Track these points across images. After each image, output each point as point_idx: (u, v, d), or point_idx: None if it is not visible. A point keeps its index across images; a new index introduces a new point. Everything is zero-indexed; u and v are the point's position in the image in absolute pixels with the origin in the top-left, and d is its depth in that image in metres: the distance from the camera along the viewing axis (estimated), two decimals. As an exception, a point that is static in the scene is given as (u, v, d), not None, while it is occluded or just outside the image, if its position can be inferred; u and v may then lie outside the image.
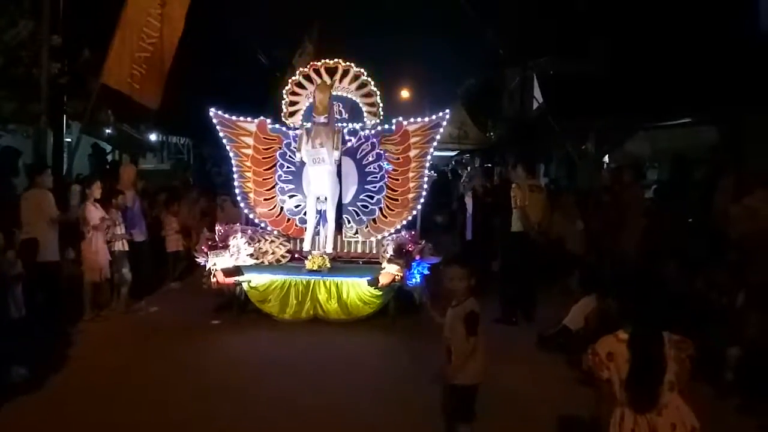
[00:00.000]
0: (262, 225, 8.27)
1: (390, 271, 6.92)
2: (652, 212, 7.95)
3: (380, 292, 7.09)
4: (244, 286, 7.24)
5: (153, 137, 17.68)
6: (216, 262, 6.95)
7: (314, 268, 7.40)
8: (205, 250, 7.04)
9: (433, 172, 19.79)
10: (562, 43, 14.53)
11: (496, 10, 17.31)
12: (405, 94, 31.21)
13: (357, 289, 7.23)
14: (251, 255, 7.66)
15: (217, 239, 7.06)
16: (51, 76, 9.24)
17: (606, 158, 14.36)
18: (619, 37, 12.12)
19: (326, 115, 7.04)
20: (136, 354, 6.20)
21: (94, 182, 7.21)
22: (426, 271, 7.26)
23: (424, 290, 7.15)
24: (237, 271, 7.00)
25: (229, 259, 6.98)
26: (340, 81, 8.26)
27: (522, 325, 7.25)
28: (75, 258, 7.14)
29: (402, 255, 7.00)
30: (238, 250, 7.36)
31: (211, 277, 7.02)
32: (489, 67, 20.89)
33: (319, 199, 7.81)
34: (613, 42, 12.42)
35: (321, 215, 7.98)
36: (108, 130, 13.25)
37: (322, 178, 7.43)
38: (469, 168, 16.23)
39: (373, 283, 6.96)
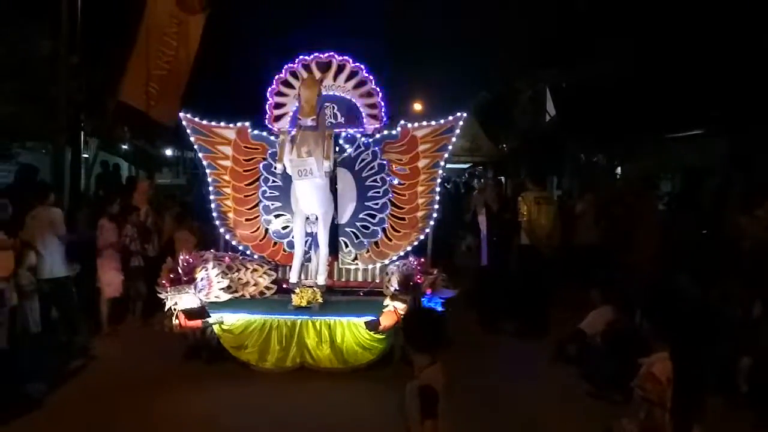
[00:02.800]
0: (244, 250, 6.95)
1: (394, 310, 5.53)
2: (664, 224, 7.62)
3: (382, 336, 5.70)
4: (215, 328, 5.88)
5: (168, 152, 18.30)
6: (177, 301, 5.58)
7: (302, 305, 6.05)
8: (166, 284, 5.67)
9: (446, 184, 19.15)
10: (573, 54, 14.21)
11: (508, 21, 17.26)
12: (417, 107, 30.63)
13: (354, 331, 5.85)
14: (227, 288, 6.33)
15: (180, 271, 5.68)
16: (69, 94, 9.44)
17: (618, 170, 14.20)
18: (631, 47, 11.81)
19: (314, 117, 5.66)
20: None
21: (112, 200, 7.57)
22: (439, 308, 5.88)
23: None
24: (202, 312, 5.64)
25: (193, 297, 5.60)
26: (335, 78, 6.94)
27: (533, 340, 7.04)
28: (82, 273, 6.99)
29: (409, 288, 5.61)
30: (209, 284, 6.02)
31: (173, 318, 5.66)
32: (501, 79, 20.77)
33: (309, 220, 6.47)
34: (625, 52, 12.04)
35: (312, 239, 6.63)
36: (125, 147, 13.77)
37: (310, 193, 6.08)
38: (481, 180, 15.12)
39: (373, 326, 5.57)
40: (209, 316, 5.70)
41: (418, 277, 5.70)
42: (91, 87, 10.05)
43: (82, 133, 10.85)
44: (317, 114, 5.74)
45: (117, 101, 9.14)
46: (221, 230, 6.99)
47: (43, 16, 9.49)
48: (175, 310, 5.59)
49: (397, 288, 5.68)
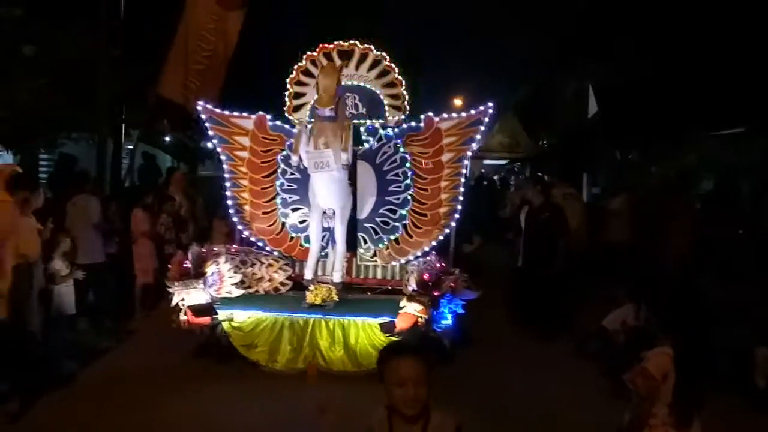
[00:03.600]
0: (260, 245, 6.73)
1: (410, 312, 5.23)
2: (699, 223, 7.53)
3: (398, 338, 5.40)
4: (224, 325, 5.65)
5: (210, 144, 17.86)
6: (184, 297, 5.35)
7: (317, 302, 5.78)
8: (174, 278, 5.46)
9: (484, 181, 18.78)
10: (615, 50, 14.14)
11: (551, 16, 17.73)
12: (458, 102, 30.43)
13: (369, 332, 5.56)
14: (240, 283, 6.11)
15: (189, 265, 5.46)
16: (110, 87, 9.85)
17: (654, 168, 13.65)
18: (672, 45, 11.65)
19: (332, 107, 5.38)
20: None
21: (146, 190, 8.17)
22: (460, 310, 5.57)
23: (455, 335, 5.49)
24: (209, 309, 5.41)
25: (201, 292, 5.37)
26: (357, 68, 6.65)
27: (558, 337, 6.85)
28: (119, 259, 7.48)
29: (427, 289, 5.30)
30: (221, 279, 5.79)
31: (181, 314, 5.44)
32: (544, 75, 20.69)
33: (326, 214, 6.19)
34: (666, 49, 11.93)
35: (329, 234, 6.36)
36: (167, 139, 14.21)
37: (327, 187, 5.80)
38: (519, 176, 14.79)
39: (388, 328, 5.28)
40: (217, 314, 5.47)
41: (438, 277, 5.37)
42: (133, 80, 10.26)
43: (124, 125, 11.44)
44: (336, 104, 5.45)
45: (156, 95, 9.38)
46: (236, 223, 6.78)
47: (86, 10, 9.77)
48: (182, 305, 5.37)
49: (415, 288, 5.37)
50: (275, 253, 6.67)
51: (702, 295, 5.53)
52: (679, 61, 11.30)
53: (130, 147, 12.25)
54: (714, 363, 4.92)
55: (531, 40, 17.68)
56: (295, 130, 6.32)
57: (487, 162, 21.52)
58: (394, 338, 5.33)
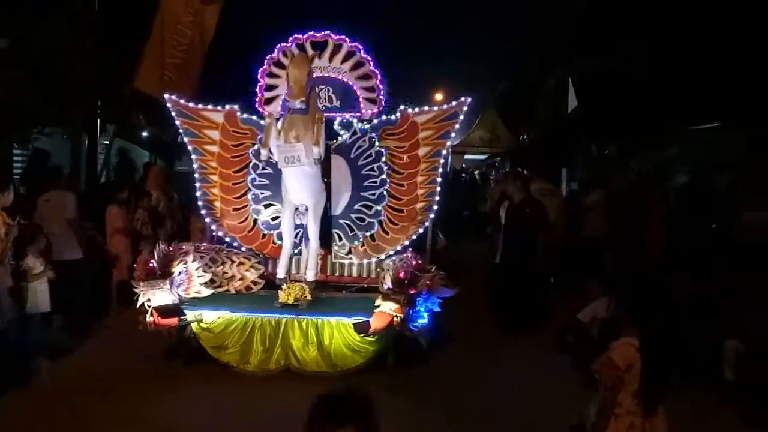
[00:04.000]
0: (231, 242, 6.52)
1: (386, 311, 5.07)
2: (673, 217, 7.53)
3: (373, 338, 5.24)
4: (194, 326, 5.44)
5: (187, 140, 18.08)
6: (150, 297, 5.13)
7: (289, 302, 5.59)
8: (140, 278, 5.23)
9: (464, 174, 18.64)
10: (596, 44, 13.98)
11: (533, 11, 17.36)
12: (438, 96, 30.35)
13: (343, 332, 5.38)
14: (211, 282, 5.90)
15: (155, 264, 5.23)
16: (84, 81, 9.65)
17: (631, 163, 13.55)
18: (651, 41, 11.57)
19: (303, 99, 5.17)
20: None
21: (121, 186, 7.98)
22: (437, 308, 5.42)
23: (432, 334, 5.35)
24: (176, 310, 5.19)
25: (168, 293, 5.14)
26: (330, 59, 6.47)
27: (534, 331, 6.77)
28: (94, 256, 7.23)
29: (403, 288, 5.14)
30: (189, 278, 5.57)
31: (147, 315, 5.22)
32: (524, 70, 20.69)
33: (299, 211, 6.00)
34: (645, 45, 11.80)
35: (303, 231, 6.17)
36: (144, 134, 13.99)
37: (298, 182, 5.61)
38: (499, 171, 14.72)
39: (362, 328, 5.11)
40: (184, 315, 5.26)
41: (414, 275, 5.21)
42: (109, 74, 10.00)
43: (99, 119, 11.17)
44: (307, 96, 5.25)
45: (132, 88, 9.20)
46: (207, 220, 6.57)
47: (61, 2, 9.68)
48: (148, 306, 5.15)
49: (390, 287, 5.20)
50: (247, 251, 6.45)
51: (671, 287, 5.55)
52: (657, 55, 11.28)
53: (106, 142, 12.00)
54: (684, 355, 4.88)
55: (511, 34, 17.56)
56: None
57: (467, 157, 21.47)
58: (369, 338, 5.19)
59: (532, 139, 18.65)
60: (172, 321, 5.19)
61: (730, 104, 8.72)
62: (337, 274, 6.57)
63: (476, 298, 7.54)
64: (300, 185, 5.63)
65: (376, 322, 5.05)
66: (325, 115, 6.23)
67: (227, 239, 6.52)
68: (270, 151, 5.45)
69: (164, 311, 5.07)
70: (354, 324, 5.16)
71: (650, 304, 2.94)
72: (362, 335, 5.13)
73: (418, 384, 5.37)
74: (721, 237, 7.26)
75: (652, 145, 11.80)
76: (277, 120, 5.60)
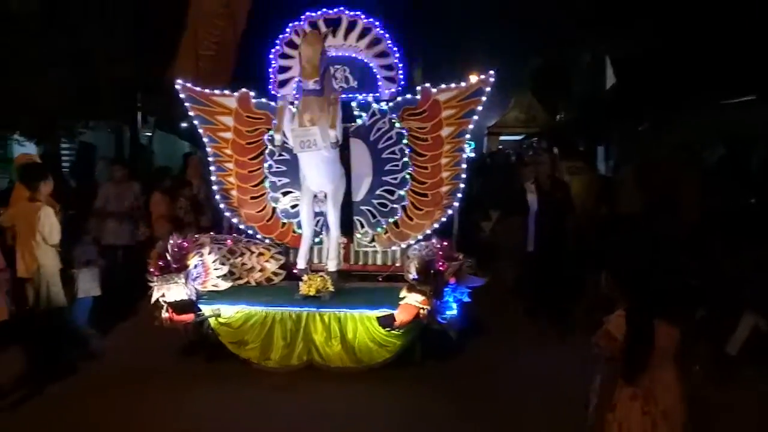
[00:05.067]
0: (250, 232, 6.27)
1: (411, 303, 4.77)
2: (707, 192, 7.00)
3: (399, 331, 4.96)
4: (211, 322, 5.21)
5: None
6: (164, 293, 4.90)
7: (311, 294, 5.33)
8: (154, 272, 5.00)
9: (487, 158, 18.27)
10: (633, 20, 13.31)
11: None
12: (473, 79, 29.75)
13: (368, 325, 5.10)
14: (230, 274, 5.67)
15: (169, 257, 4.99)
16: (125, 76, 10.25)
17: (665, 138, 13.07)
18: (687, 12, 11.00)
19: (317, 79, 4.85)
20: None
21: (164, 175, 8.34)
22: (466, 299, 5.11)
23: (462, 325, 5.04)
24: (190, 306, 4.95)
25: (182, 288, 4.90)
26: (345, 37, 6.13)
27: (562, 321, 6.28)
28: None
29: (429, 277, 4.83)
30: (206, 271, 5.34)
31: (162, 311, 5.00)
32: (559, 48, 19.82)
33: (318, 198, 5.71)
34: (681, 17, 11.31)
35: (323, 219, 5.89)
36: (184, 125, 14.10)
37: (316, 168, 5.33)
38: (530, 152, 14.28)
39: (387, 322, 4.82)
40: (200, 310, 5.03)
41: (440, 264, 4.90)
42: (148, 68, 10.32)
43: (140, 112, 12.09)
44: (321, 76, 4.93)
45: (170, 82, 9.50)
46: (224, 210, 6.33)
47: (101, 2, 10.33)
48: (163, 302, 4.92)
49: (416, 276, 4.90)
50: (266, 241, 6.20)
51: (676, 255, 5.50)
52: (691, 28, 10.80)
53: (148, 133, 13.05)
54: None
55: (546, 10, 16.98)
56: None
57: (503, 138, 21.09)
58: (395, 332, 4.90)
59: (569, 117, 18.22)
60: (188, 317, 4.96)
61: (765, 77, 8.31)
62: (361, 263, 6.30)
63: (506, 284, 7.23)
64: (317, 171, 5.34)
65: (402, 315, 4.76)
66: (342, 96, 5.96)
67: (246, 229, 6.27)
68: (284, 136, 5.15)
69: (179, 307, 4.84)
70: (378, 318, 4.88)
71: (636, 274, 2.96)
72: (387, 329, 4.84)
73: (447, 377, 5.11)
74: (758, 211, 6.79)
75: (686, 119, 11.44)
76: (291, 103, 5.30)
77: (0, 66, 8.61)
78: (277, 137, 5.13)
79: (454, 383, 4.99)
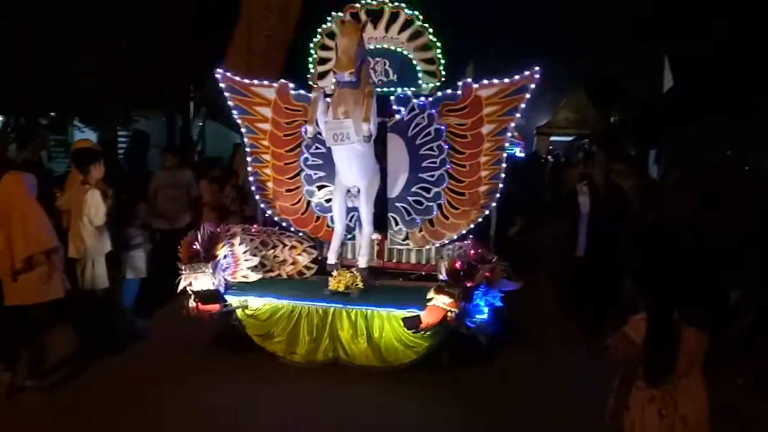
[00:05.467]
0: (284, 224, 6.23)
1: (439, 305, 4.62)
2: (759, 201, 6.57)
3: (426, 333, 4.81)
4: (238, 313, 5.19)
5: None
6: (192, 281, 4.89)
7: (340, 290, 5.24)
8: (184, 260, 5.00)
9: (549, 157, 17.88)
10: (694, 22, 12.78)
11: None
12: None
13: (394, 325, 4.98)
14: (261, 266, 5.64)
15: (199, 246, 4.98)
16: (177, 68, 10.63)
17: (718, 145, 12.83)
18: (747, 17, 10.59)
19: (352, 71, 4.74)
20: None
21: (213, 164, 8.64)
22: (498, 303, 4.92)
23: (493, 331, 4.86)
24: (216, 296, 4.93)
25: (209, 277, 4.88)
26: (387, 29, 6.00)
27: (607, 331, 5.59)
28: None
29: (458, 279, 4.66)
30: (236, 262, 5.31)
31: (190, 300, 4.99)
32: (616, 49, 19.17)
33: (350, 193, 5.61)
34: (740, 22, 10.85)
35: (357, 215, 5.79)
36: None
37: (349, 162, 5.23)
38: (579, 154, 13.88)
39: (413, 324, 4.68)
40: (225, 301, 5.00)
41: (471, 265, 4.72)
42: (201, 59, 10.43)
43: (192, 102, 12.40)
44: (357, 67, 4.81)
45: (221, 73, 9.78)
46: (260, 202, 6.30)
47: None
48: (190, 291, 4.91)
49: (445, 278, 4.73)
50: (300, 234, 6.14)
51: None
52: (752, 34, 10.35)
53: (200, 123, 13.42)
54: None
55: (604, 11, 16.51)
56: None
57: (553, 138, 20.61)
58: (420, 334, 4.75)
59: (623, 119, 17.74)
60: (213, 307, 4.93)
61: None
62: (395, 261, 6.18)
63: (551, 291, 6.96)
64: (350, 165, 5.24)
65: (428, 318, 4.61)
66: (383, 90, 5.86)
67: (280, 221, 6.23)
68: (317, 127, 5.06)
69: (204, 297, 4.83)
70: (403, 318, 4.74)
71: (655, 278, 2.91)
72: (413, 331, 4.70)
73: (477, 385, 4.93)
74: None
75: (742, 125, 10.87)
76: (327, 96, 5.21)
77: (61, 55, 8.84)
78: (309, 129, 5.04)
79: (481, 393, 4.81)
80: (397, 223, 6.02)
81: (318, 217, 6.20)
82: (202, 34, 10.59)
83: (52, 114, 10.35)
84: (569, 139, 20.53)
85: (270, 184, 6.30)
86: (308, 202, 6.21)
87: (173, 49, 10.40)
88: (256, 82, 6.23)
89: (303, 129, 5.94)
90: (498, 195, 5.82)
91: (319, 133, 5.15)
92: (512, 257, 5.38)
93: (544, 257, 7.55)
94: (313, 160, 6.11)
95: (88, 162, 5.30)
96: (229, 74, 6.33)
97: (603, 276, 6.10)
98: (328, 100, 5.15)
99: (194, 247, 4.96)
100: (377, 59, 5.98)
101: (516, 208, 7.24)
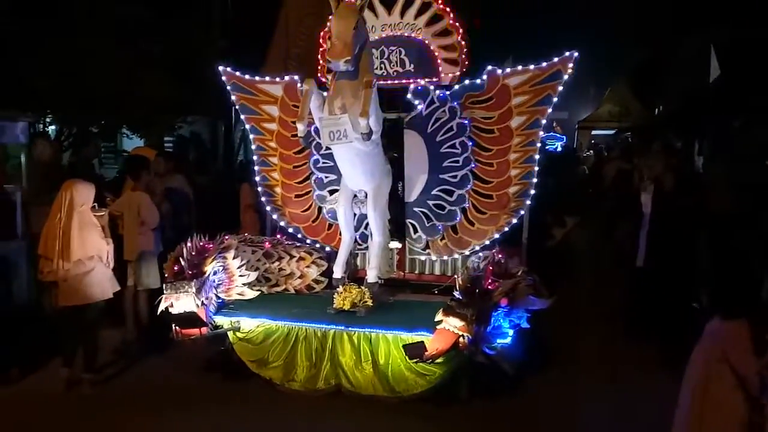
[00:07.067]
0: (294, 233, 5.68)
1: (448, 329, 3.91)
2: None
3: (440, 360, 4.11)
4: (230, 336, 4.63)
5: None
6: (173, 302, 4.35)
7: (345, 308, 4.61)
8: (168, 277, 4.49)
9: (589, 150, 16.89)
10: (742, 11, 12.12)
11: None
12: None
13: (402, 350, 4.30)
14: (264, 280, 5.10)
15: (184, 262, 4.46)
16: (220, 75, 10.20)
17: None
18: None
19: (348, 59, 4.11)
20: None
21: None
22: (524, 324, 4.17)
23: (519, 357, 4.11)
24: (194, 319, 4.37)
25: (191, 298, 4.33)
26: (402, 14, 5.35)
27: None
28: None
29: (473, 298, 3.94)
30: (229, 278, 4.77)
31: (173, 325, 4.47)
32: (660, 39, 18.20)
33: (357, 198, 4.99)
34: None
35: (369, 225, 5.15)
36: None
37: (350, 163, 4.61)
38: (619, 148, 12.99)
39: (417, 352, 3.98)
40: (205, 324, 4.44)
41: (489, 281, 3.99)
42: (242, 66, 10.53)
43: (234, 107, 12.06)
44: (354, 55, 4.17)
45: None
46: (267, 208, 5.77)
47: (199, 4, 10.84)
48: (170, 313, 4.38)
49: (457, 296, 4.02)
50: (309, 244, 5.56)
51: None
52: None
53: (243, 128, 13.02)
54: None
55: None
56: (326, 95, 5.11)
57: (595, 132, 19.63)
58: (425, 365, 4.06)
59: (668, 111, 16.68)
60: (194, 331, 4.38)
61: None
62: (417, 272, 5.53)
63: (600, 308, 6.11)
64: (353, 166, 4.62)
65: (436, 344, 3.91)
66: (400, 81, 5.23)
67: (289, 229, 5.68)
68: (309, 125, 4.46)
69: (183, 321, 4.29)
70: (404, 346, 4.06)
71: (731, 293, 2.60)
72: (415, 361, 4.01)
73: (500, 421, 4.18)
74: None
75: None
76: (317, 87, 4.60)
77: (108, 63, 8.93)
78: (301, 127, 4.42)
79: (506, 429, 4.08)
80: (416, 231, 5.36)
81: (330, 225, 5.61)
82: (242, 41, 10.84)
83: (102, 122, 10.62)
84: (611, 132, 19.72)
85: (278, 190, 5.78)
86: (320, 209, 5.64)
87: (214, 59, 10.49)
88: (266, 78, 5.72)
89: (312, 128, 5.41)
90: (530, 197, 5.07)
91: (316, 131, 4.54)
92: (549, 267, 4.62)
93: (585, 266, 6.67)
94: (324, 162, 5.53)
95: (138, 168, 5.70)
96: (229, 69, 5.83)
97: (671, 289, 5.17)
98: (326, 94, 4.54)
99: (179, 263, 4.43)
100: (392, 48, 5.35)
101: (560, 207, 6.42)
